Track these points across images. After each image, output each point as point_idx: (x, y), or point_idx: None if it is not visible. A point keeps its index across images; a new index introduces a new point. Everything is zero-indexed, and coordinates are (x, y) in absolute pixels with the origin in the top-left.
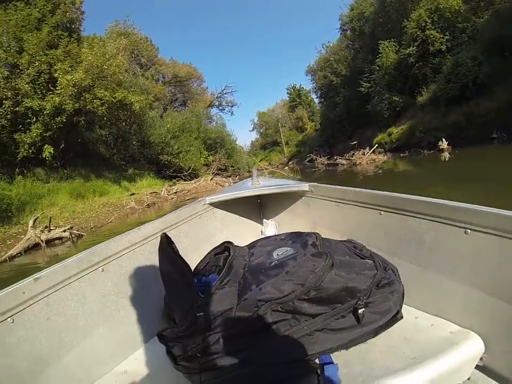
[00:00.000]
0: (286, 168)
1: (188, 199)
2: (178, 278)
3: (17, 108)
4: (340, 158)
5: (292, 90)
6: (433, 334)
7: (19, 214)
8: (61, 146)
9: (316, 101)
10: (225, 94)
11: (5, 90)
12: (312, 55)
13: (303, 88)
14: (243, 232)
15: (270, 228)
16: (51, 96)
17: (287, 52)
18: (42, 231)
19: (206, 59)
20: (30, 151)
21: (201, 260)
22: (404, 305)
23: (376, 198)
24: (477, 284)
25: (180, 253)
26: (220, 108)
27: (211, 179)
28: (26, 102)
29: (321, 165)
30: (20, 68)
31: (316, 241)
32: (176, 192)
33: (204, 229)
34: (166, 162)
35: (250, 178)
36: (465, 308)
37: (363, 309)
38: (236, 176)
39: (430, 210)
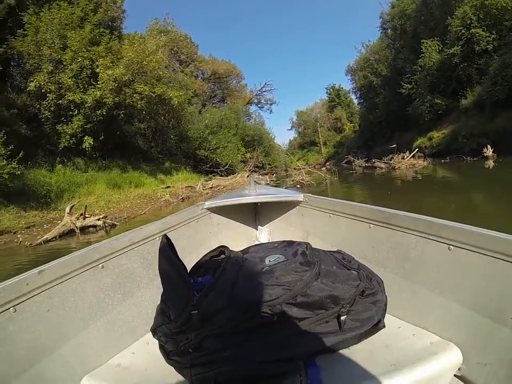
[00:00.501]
0: (323, 169)
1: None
2: (175, 278)
3: (60, 101)
4: (378, 161)
5: (331, 90)
6: (414, 343)
7: (57, 200)
8: (101, 138)
9: (355, 101)
10: (264, 91)
11: (49, 84)
12: (353, 55)
13: (342, 88)
14: (238, 237)
15: (264, 234)
16: (92, 90)
17: (328, 50)
18: (77, 218)
19: (245, 56)
20: (71, 141)
21: (198, 262)
22: (387, 314)
23: (366, 211)
24: (458, 298)
25: (178, 254)
26: (258, 105)
27: (247, 176)
28: (69, 96)
29: (358, 168)
30: (64, 63)
31: (306, 250)
32: (211, 187)
33: (201, 232)
34: (203, 157)
35: (248, 185)
36: (446, 320)
37: (345, 316)
38: (273, 174)
39: (417, 226)
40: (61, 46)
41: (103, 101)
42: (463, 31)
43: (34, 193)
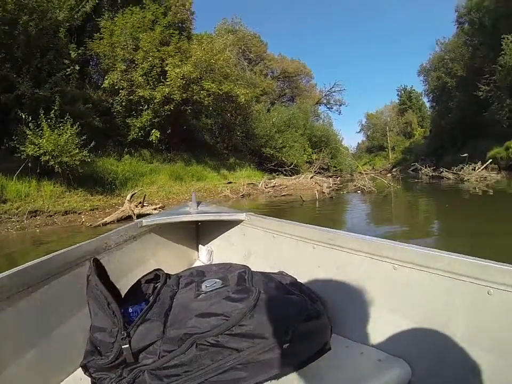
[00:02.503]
0: (389, 175)
1: (284, 195)
2: (103, 307)
3: (131, 97)
4: (446, 171)
5: (403, 92)
6: (363, 362)
7: (121, 187)
8: (168, 132)
9: (427, 105)
10: (333, 92)
11: (121, 81)
12: (426, 54)
13: (414, 90)
14: (178, 257)
15: (206, 254)
16: (161, 87)
17: (400, 51)
18: (136, 206)
19: (315, 56)
20: (139, 134)
21: (131, 287)
22: (335, 335)
23: (310, 232)
24: (404, 314)
25: (111, 279)
26: (327, 106)
27: (311, 177)
28: (139, 92)
29: (425, 176)
30: (136, 62)
31: (244, 275)
32: (274, 186)
33: (138, 253)
34: (268, 155)
35: (189, 202)
36: (394, 336)
37: (288, 344)
38: (337, 178)
39: (361, 247)
40: (133, 47)
41: (171, 97)
42: None
43: (101, 180)
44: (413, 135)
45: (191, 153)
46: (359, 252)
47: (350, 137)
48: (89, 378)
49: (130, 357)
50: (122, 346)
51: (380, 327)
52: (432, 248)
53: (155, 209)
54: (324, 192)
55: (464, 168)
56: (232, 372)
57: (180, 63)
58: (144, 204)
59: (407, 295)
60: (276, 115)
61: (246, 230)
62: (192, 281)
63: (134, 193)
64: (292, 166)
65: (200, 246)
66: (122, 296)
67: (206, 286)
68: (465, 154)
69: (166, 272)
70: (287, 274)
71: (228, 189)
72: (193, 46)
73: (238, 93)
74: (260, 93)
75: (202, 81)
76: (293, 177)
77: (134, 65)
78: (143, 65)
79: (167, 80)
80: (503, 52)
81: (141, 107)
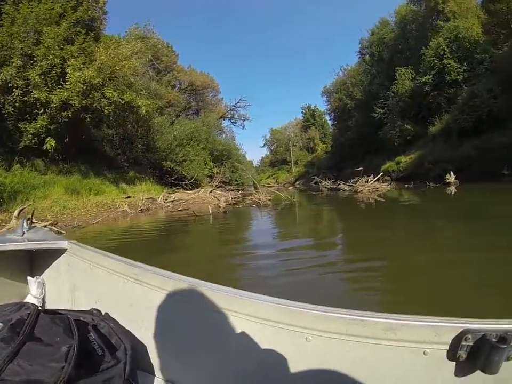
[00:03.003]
0: (291, 187)
1: (181, 210)
2: None
3: (26, 98)
4: (343, 183)
5: (307, 110)
6: None
7: (10, 201)
8: (65, 140)
9: (330, 122)
10: (238, 107)
11: (16, 79)
12: (330, 77)
13: (317, 109)
14: (7, 291)
15: (36, 287)
16: (60, 90)
17: (307, 72)
18: None
19: (225, 71)
20: (33, 141)
21: None
22: (158, 378)
23: (120, 266)
24: (223, 360)
25: None
26: (231, 120)
27: (210, 191)
28: (35, 93)
29: (324, 189)
30: (35, 59)
31: (26, 318)
32: (173, 201)
33: None
34: (169, 169)
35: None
36: (212, 380)
37: None
38: (238, 191)
39: (164, 284)
40: (34, 41)
41: (70, 102)
42: (436, 61)
43: None
44: (316, 150)
45: (90, 165)
46: (164, 291)
47: (255, 151)
48: None
49: None
50: None
51: (198, 371)
52: None
53: (45, 226)
54: (220, 207)
55: (358, 180)
56: None
57: (82, 66)
58: (34, 220)
59: (213, 339)
60: (178, 128)
61: (70, 260)
62: None
63: (23, 208)
64: (192, 180)
65: (29, 278)
66: None
67: None
68: (360, 168)
69: None
70: (98, 312)
71: (126, 204)
72: (98, 49)
73: (139, 103)
74: (164, 105)
75: (105, 88)
76: (193, 191)
77: (32, 62)
78: (42, 63)
79: (66, 83)
80: (396, 81)
81: (36, 110)
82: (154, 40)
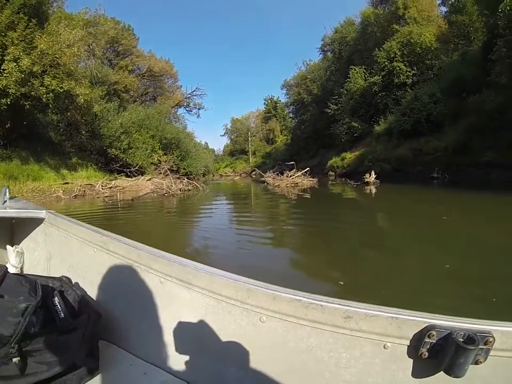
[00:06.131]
0: (247, 178)
1: (106, 196)
2: None
3: None
4: (266, 176)
5: (269, 101)
6: (145, 382)
7: None
8: (6, 126)
9: (291, 115)
10: (194, 95)
11: None
12: (293, 70)
13: (280, 101)
14: None
15: (15, 256)
16: None
17: (272, 63)
18: None
19: (187, 58)
20: None
21: None
22: (120, 350)
23: (90, 234)
24: (177, 333)
25: None
26: (187, 108)
27: (148, 179)
28: None
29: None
30: None
31: None
32: (111, 187)
33: None
34: (113, 156)
35: None
36: (177, 358)
37: (18, 358)
38: (184, 180)
39: (129, 254)
40: None
41: (7, 90)
42: (386, 63)
43: None
44: (275, 141)
45: (31, 151)
46: (129, 260)
47: (219, 140)
48: None
49: None
50: None
51: (165, 347)
52: None
53: None
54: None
55: (280, 175)
56: None
57: (22, 54)
58: None
59: (173, 312)
60: (126, 115)
61: (47, 229)
62: None
63: None
64: (137, 168)
65: (8, 246)
66: None
67: None
68: (292, 162)
69: None
70: (68, 280)
71: (61, 190)
72: (40, 36)
73: (77, 92)
74: (120, 90)
75: (45, 75)
76: (132, 179)
77: None
78: None
79: (4, 71)
80: (348, 79)
81: None
82: (105, 26)
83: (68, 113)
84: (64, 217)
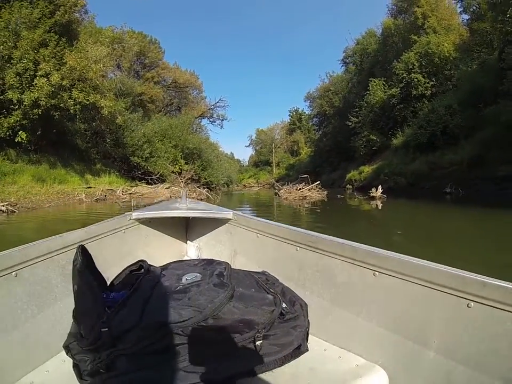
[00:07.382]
0: (269, 188)
1: (124, 201)
2: (86, 292)
3: (2, 97)
4: (280, 189)
5: (294, 113)
6: (340, 366)
7: None
8: (38, 133)
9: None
10: (218, 107)
11: None
12: (315, 83)
13: (305, 113)
14: (166, 251)
15: (193, 250)
16: (30, 91)
17: (298, 75)
18: None
19: (215, 71)
20: (7, 133)
21: (117, 275)
22: (313, 337)
23: (294, 234)
24: (383, 322)
25: (98, 266)
26: (210, 119)
27: (167, 187)
28: (9, 94)
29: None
30: (11, 62)
31: (223, 271)
32: (130, 194)
33: (126, 244)
34: (135, 164)
35: (179, 198)
36: (372, 343)
37: (261, 341)
38: (209, 189)
39: (343, 251)
40: (13, 44)
41: (38, 102)
42: (405, 75)
43: None
44: (299, 153)
45: (59, 156)
46: (340, 257)
47: (243, 150)
48: (71, 360)
49: (109, 340)
50: (102, 329)
51: (358, 333)
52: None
53: (3, 205)
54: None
55: (286, 187)
56: (207, 363)
57: (52, 70)
58: None
59: (385, 303)
60: (149, 125)
61: (232, 229)
62: (174, 274)
63: None
64: (157, 176)
65: (188, 242)
66: (108, 284)
67: (186, 279)
68: (305, 176)
69: (153, 264)
70: (269, 274)
71: (84, 193)
72: (70, 53)
73: (102, 104)
74: (146, 100)
75: (73, 88)
76: (152, 186)
77: (8, 64)
78: (18, 65)
79: (36, 85)
80: (368, 92)
81: (12, 106)
82: (132, 41)
83: (94, 123)
84: (252, 217)
